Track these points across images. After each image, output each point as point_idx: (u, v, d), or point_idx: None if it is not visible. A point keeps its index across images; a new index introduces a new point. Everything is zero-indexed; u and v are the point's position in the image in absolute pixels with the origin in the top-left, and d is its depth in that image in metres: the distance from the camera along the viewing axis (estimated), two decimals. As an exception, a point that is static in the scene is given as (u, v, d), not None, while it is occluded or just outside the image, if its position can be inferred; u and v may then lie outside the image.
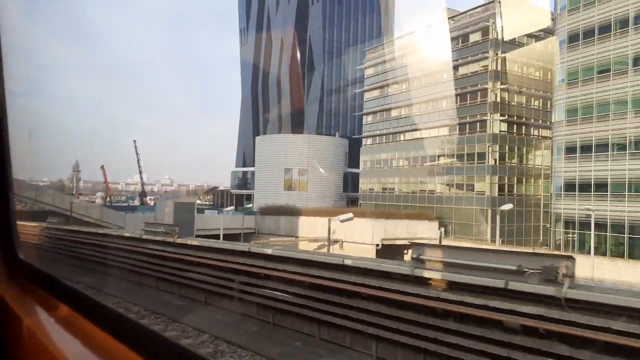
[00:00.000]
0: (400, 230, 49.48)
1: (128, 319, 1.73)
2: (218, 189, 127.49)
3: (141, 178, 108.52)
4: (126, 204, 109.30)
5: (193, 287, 13.68)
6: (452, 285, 7.95)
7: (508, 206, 41.03)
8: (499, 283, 7.38)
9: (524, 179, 52.16)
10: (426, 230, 50.61)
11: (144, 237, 17.03)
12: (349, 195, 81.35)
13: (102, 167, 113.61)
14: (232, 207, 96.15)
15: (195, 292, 13.62)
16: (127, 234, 19.96)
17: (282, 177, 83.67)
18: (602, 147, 40.64)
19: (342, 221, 28.66)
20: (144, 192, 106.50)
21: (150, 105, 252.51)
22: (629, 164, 38.67)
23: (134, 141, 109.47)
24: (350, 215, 29.62)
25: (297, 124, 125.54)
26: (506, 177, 51.06)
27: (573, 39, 43.27)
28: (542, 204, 51.83)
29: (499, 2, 47.78)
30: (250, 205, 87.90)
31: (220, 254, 13.21)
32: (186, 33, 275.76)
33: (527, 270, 7.35)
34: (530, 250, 34.83)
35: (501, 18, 48.08)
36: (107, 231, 23.81)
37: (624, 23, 39.31)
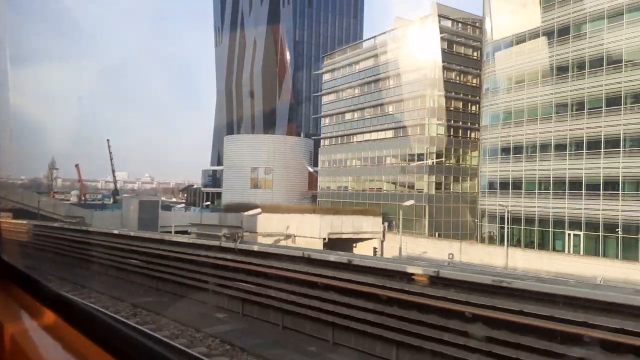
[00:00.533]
0: (347, 225, 53.95)
1: (118, 328, 1.53)
2: (193, 187, 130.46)
3: (114, 177, 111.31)
4: (100, 202, 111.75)
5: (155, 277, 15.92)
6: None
7: (410, 202, 45.85)
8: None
9: (461, 177, 57.03)
10: (371, 225, 55.17)
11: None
12: (315, 193, 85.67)
13: (76, 165, 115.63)
14: (208, 203, 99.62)
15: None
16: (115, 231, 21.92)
17: (249, 175, 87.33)
18: (518, 149, 45.67)
19: (250, 216, 32.93)
20: (117, 191, 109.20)
21: (134, 102, 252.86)
22: (538, 165, 43.72)
23: (107, 140, 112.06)
24: (259, 210, 33.91)
25: (269, 124, 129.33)
26: (443, 176, 55.88)
27: (497, 49, 48.18)
28: (477, 201, 56.85)
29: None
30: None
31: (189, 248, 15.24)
32: (169, 29, 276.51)
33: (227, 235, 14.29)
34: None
35: (491, 17, 48.48)
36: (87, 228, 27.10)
37: (535, 36, 44.25)
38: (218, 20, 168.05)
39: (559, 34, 41.74)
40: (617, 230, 37.65)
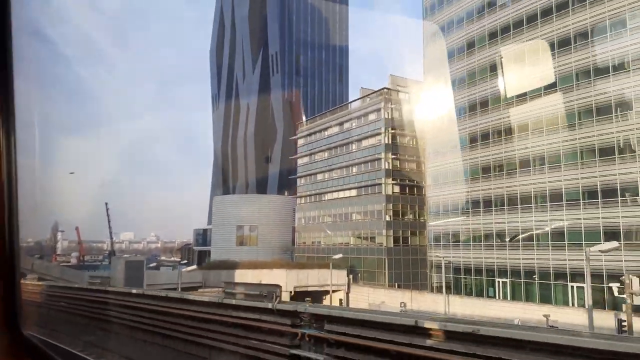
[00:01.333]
0: (312, 278, 59.37)
1: None
2: (189, 246, 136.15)
3: (111, 238, 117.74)
4: (100, 263, 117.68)
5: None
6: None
7: (338, 256, 51.79)
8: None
9: (418, 231, 62.80)
10: (335, 278, 60.47)
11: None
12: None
13: (76, 228, 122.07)
14: (194, 266, 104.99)
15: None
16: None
17: (235, 233, 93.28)
18: (454, 206, 51.88)
19: (189, 272, 38.90)
20: (113, 252, 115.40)
21: (143, 165, 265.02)
22: (472, 220, 49.74)
23: (106, 204, 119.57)
24: (195, 267, 39.92)
25: (261, 184, 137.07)
26: (401, 231, 61.74)
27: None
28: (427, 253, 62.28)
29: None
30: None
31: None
32: (176, 95, 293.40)
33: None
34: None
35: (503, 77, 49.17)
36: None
37: (462, 111, 51.65)
38: (215, 88, 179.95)
39: (470, 109, 49.33)
40: (534, 277, 43.00)
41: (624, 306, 29.01)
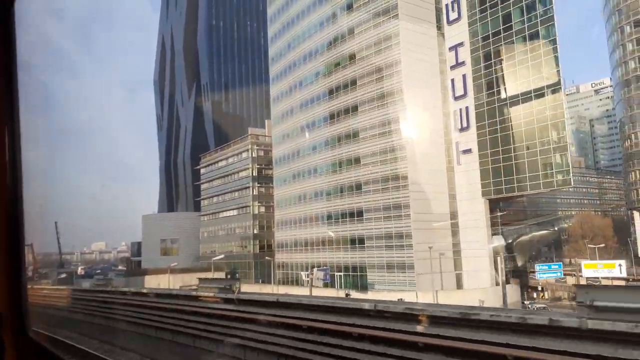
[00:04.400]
0: (195, 279, 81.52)
1: None
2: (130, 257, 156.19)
3: (60, 253, 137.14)
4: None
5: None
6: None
7: (219, 257, 73.85)
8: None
9: (274, 241, 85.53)
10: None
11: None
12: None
13: (30, 244, 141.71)
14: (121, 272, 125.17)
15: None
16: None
17: (159, 245, 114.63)
18: (288, 222, 74.80)
19: (59, 279, 60.21)
20: (62, 264, 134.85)
21: (113, 171, 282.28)
22: (302, 233, 72.68)
23: (55, 223, 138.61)
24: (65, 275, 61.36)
25: (198, 203, 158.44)
26: (265, 240, 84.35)
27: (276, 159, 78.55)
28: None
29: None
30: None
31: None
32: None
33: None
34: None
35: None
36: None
37: (290, 156, 74.56)
38: (159, 109, 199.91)
39: (293, 155, 72.76)
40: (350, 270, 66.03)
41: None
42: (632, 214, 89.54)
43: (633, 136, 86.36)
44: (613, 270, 41.45)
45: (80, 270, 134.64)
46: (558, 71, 49.60)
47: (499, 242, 56.20)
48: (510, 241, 70.15)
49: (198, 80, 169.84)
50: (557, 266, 47.12)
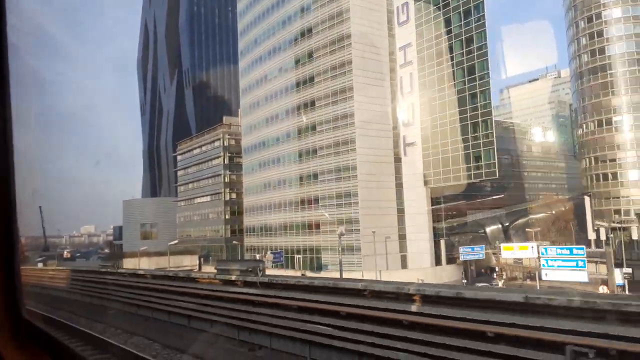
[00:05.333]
0: (173, 263, 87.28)
1: None
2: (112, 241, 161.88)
3: (44, 237, 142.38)
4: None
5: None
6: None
7: (173, 242, 79.88)
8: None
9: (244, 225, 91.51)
10: (189, 261, 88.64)
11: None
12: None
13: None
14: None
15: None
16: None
17: (139, 229, 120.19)
18: (257, 208, 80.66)
19: (38, 262, 66.02)
20: (47, 248, 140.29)
21: (101, 155, 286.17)
22: (267, 219, 78.58)
23: (40, 207, 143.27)
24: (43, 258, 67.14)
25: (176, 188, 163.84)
26: (236, 225, 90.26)
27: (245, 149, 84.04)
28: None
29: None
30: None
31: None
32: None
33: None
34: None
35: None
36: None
37: (259, 145, 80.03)
38: (142, 94, 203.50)
39: (260, 145, 78.26)
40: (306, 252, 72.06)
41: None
42: (584, 199, 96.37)
43: (584, 126, 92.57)
44: (526, 251, 47.72)
45: (66, 253, 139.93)
46: (487, 73, 55.28)
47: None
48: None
49: (180, 66, 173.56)
50: (479, 248, 53.33)
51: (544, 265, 37.70)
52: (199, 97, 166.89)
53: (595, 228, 73.43)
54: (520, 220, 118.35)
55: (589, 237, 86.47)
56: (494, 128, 55.57)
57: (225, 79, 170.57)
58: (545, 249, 38.90)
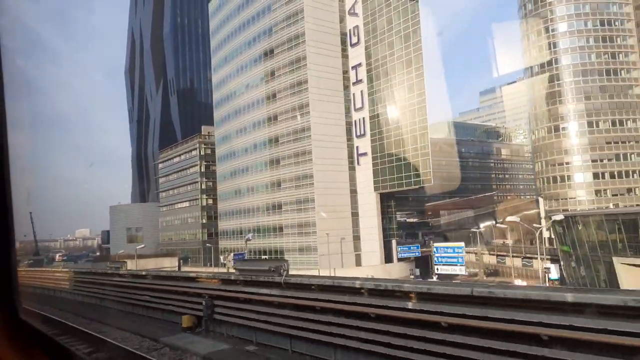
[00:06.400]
0: (151, 264, 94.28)
1: None
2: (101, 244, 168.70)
3: (35, 242, 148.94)
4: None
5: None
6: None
7: (140, 246, 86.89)
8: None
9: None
10: (169, 262, 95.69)
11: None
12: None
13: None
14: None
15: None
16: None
17: (125, 234, 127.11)
18: (229, 213, 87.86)
19: (29, 265, 72.74)
20: (37, 252, 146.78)
21: (96, 157, 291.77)
22: (239, 223, 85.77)
23: (30, 213, 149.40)
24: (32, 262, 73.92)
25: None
26: (213, 229, 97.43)
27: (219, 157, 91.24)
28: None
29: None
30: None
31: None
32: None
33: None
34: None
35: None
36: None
37: (232, 154, 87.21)
38: (130, 102, 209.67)
39: (232, 155, 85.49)
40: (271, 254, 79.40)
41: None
42: (538, 200, 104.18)
43: (536, 132, 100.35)
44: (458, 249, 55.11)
45: (58, 257, 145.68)
46: (421, 93, 62.74)
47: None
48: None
49: (165, 74, 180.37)
50: (415, 247, 60.74)
51: (436, 261, 44.89)
52: (184, 104, 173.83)
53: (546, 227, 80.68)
54: (488, 223, 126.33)
55: (544, 236, 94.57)
56: (428, 141, 63.04)
57: (209, 86, 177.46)
58: (436, 247, 46.07)
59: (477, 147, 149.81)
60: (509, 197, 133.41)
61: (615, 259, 39.62)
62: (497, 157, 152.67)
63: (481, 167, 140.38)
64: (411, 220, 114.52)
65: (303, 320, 14.97)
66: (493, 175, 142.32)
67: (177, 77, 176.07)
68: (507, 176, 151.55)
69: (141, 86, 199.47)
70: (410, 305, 11.81)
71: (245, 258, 72.70)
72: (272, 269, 17.23)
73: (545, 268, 56.56)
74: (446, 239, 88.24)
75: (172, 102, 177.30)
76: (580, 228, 45.05)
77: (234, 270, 21.58)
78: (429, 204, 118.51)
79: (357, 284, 13.34)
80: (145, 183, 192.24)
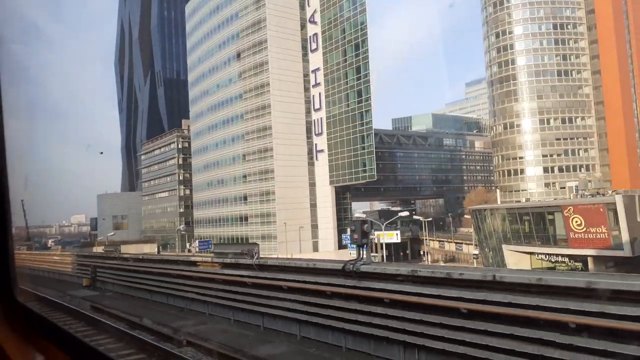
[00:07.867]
0: (131, 250, 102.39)
1: None
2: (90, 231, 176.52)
3: (26, 227, 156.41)
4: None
5: None
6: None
7: (111, 234, 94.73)
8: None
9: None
10: (148, 249, 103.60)
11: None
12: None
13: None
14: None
15: None
16: None
17: (112, 221, 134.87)
18: (203, 203, 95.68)
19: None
20: (29, 237, 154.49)
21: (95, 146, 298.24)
22: (211, 212, 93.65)
23: (22, 201, 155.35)
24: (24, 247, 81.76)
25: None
26: (190, 217, 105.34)
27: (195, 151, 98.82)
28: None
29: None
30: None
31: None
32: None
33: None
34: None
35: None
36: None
37: (209, 147, 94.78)
38: (119, 92, 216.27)
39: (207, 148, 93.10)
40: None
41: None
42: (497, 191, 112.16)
43: (494, 128, 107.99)
44: (392, 237, 62.68)
45: (50, 243, 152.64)
46: (369, 97, 70.26)
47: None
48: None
49: (152, 66, 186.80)
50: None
51: (351, 247, 52.70)
52: (170, 95, 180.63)
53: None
54: (458, 211, 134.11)
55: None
56: (373, 140, 70.78)
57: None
58: (346, 235, 53.83)
59: (451, 139, 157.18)
60: (477, 188, 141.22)
61: (504, 246, 47.66)
62: (471, 149, 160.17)
63: (452, 159, 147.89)
64: (394, 209, 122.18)
65: (274, 299, 15.99)
66: (464, 167, 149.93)
67: (164, 68, 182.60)
68: (478, 167, 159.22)
69: (130, 77, 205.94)
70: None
71: (210, 246, 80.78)
72: (245, 252, 18.08)
73: (474, 254, 64.96)
74: (421, 229, 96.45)
75: (160, 93, 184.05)
76: (487, 221, 52.92)
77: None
78: (409, 196, 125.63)
79: (310, 265, 15.46)
80: (133, 172, 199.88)
